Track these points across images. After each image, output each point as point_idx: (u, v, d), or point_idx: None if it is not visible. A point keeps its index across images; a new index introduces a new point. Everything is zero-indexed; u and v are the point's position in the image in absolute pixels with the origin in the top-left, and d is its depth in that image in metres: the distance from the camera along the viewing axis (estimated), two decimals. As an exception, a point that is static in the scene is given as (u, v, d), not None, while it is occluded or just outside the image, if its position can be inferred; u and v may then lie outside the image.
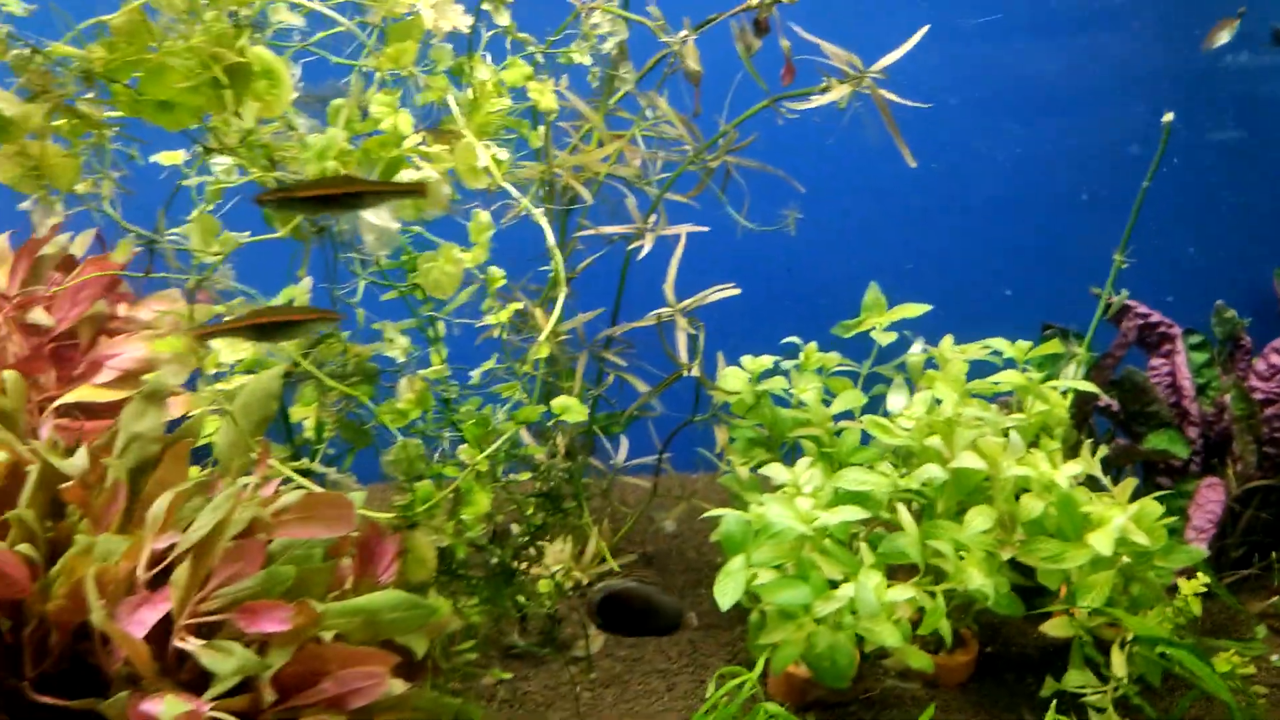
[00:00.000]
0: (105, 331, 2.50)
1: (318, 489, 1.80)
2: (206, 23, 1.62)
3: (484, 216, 1.83)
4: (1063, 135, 3.03)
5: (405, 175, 1.71)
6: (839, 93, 2.11)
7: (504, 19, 2.03)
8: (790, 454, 2.34)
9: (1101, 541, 1.87)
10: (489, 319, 1.89)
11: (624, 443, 2.68)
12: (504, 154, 1.93)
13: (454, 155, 1.89)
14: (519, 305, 1.97)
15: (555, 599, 2.16)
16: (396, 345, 2.05)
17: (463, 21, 1.99)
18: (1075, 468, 1.94)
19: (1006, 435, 2.01)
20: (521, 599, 2.08)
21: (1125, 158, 2.98)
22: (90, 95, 1.60)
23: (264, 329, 1.71)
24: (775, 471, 1.98)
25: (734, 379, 2.30)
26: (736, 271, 2.62)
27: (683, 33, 2.34)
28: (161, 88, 1.58)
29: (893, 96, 2.09)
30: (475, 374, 2.01)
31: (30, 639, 1.72)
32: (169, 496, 1.70)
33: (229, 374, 2.14)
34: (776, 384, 2.29)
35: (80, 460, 1.80)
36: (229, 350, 2.05)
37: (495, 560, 2.02)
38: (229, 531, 1.65)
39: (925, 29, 2.14)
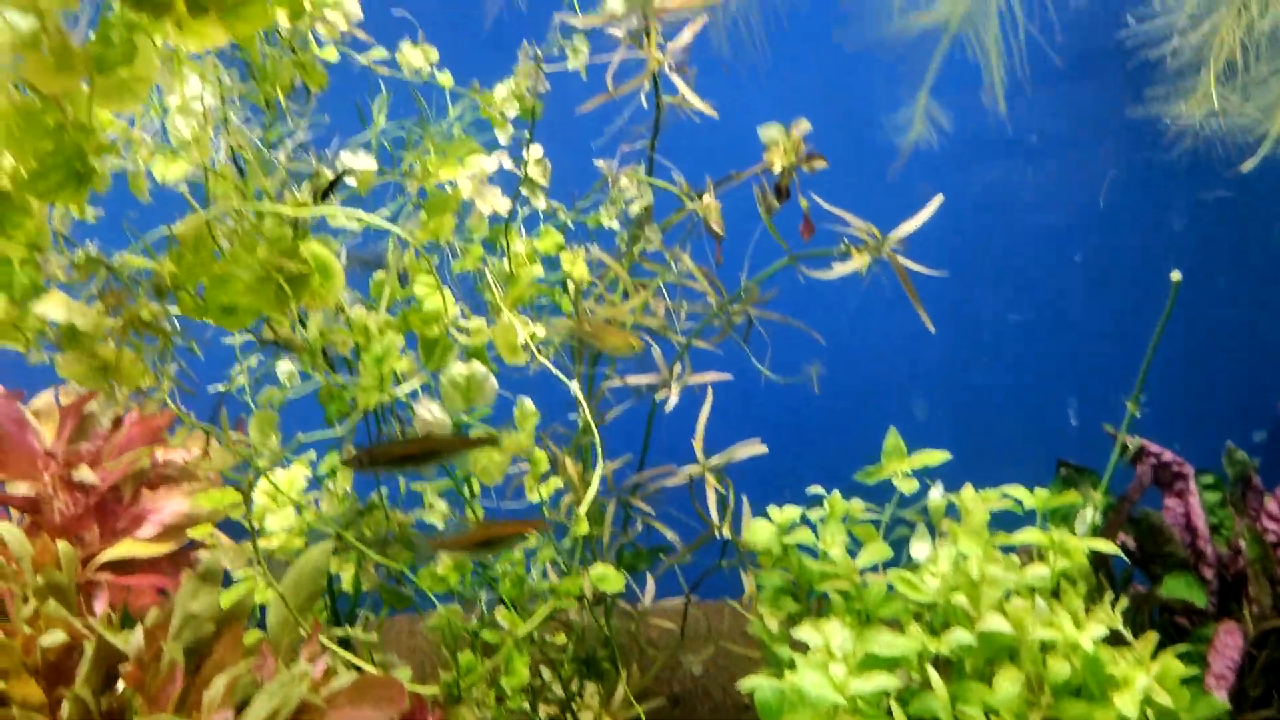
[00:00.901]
0: (147, 483, 2.57)
1: (368, 667, 1.86)
2: (266, 230, 1.72)
3: (528, 404, 1.91)
4: (1076, 269, 3.14)
5: (457, 369, 1.79)
6: (859, 262, 2.21)
7: (540, 203, 2.13)
8: (818, 603, 2.40)
9: (1127, 704, 1.92)
10: (531, 497, 1.96)
11: (650, 582, 2.74)
12: (540, 330, 2.02)
13: (494, 333, 1.98)
14: (559, 483, 2.04)
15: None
16: (436, 511, 2.12)
17: (501, 205, 2.09)
18: (1099, 629, 2.00)
19: (1032, 593, 2.07)
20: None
21: (1137, 290, 3.09)
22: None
23: (486, 543, 1.83)
24: (807, 635, 2.03)
25: (762, 531, 2.36)
26: (759, 416, 2.70)
27: (706, 198, 2.45)
28: (226, 294, 1.67)
29: (911, 264, 2.19)
30: (519, 554, 2.08)
31: (88, 823, 1.77)
32: (224, 680, 1.75)
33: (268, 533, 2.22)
34: (804, 536, 2.35)
35: (137, 639, 1.86)
36: (277, 517, 2.12)
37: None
38: (283, 716, 1.71)
39: (939, 199, 2.24)
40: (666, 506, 2.66)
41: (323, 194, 1.73)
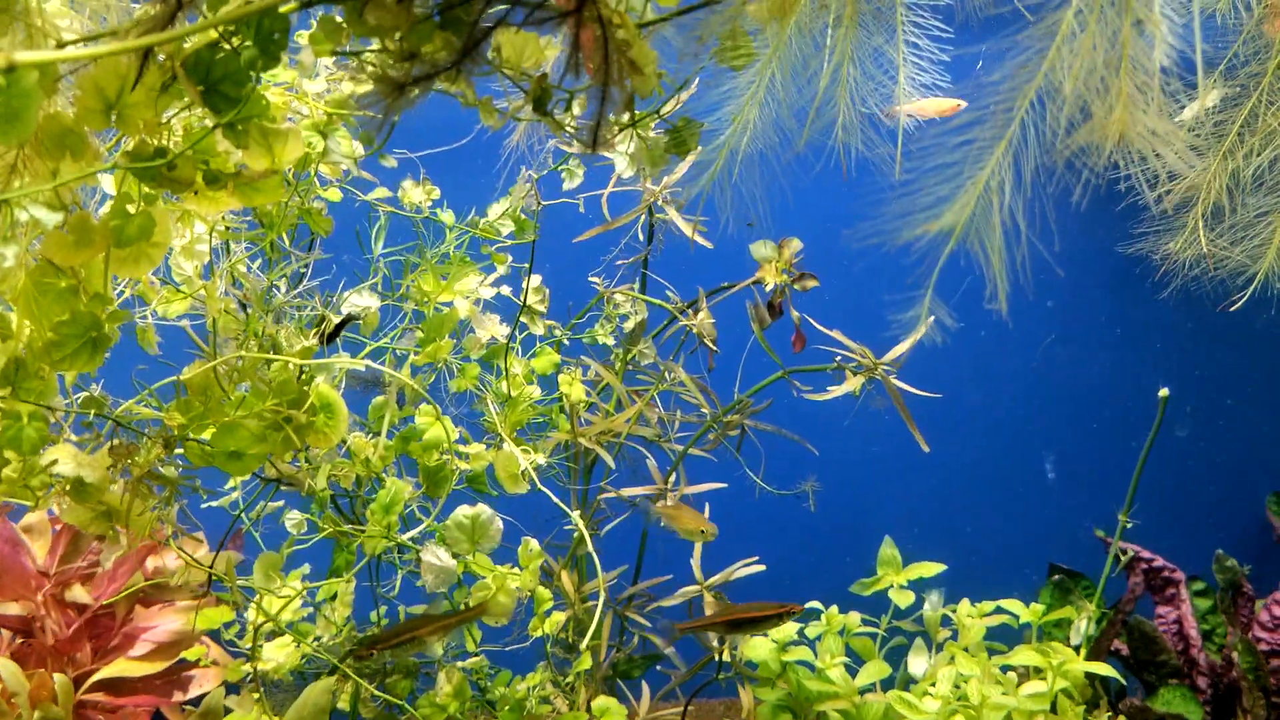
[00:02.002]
0: (140, 599, 2.55)
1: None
2: (273, 375, 1.74)
3: (534, 544, 1.92)
4: (1062, 384, 3.20)
5: (462, 512, 1.80)
6: (853, 384, 2.24)
7: (539, 329, 2.16)
8: (818, 718, 2.40)
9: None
10: (534, 633, 1.96)
11: (645, 691, 2.73)
12: (541, 458, 2.03)
13: (496, 462, 1.99)
14: (563, 616, 2.04)
15: None
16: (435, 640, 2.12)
17: (500, 331, 2.12)
18: (1099, 755, 2.01)
19: (1031, 718, 2.08)
20: None
21: (1123, 399, 3.15)
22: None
23: (736, 624, 2.03)
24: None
25: (760, 648, 2.37)
26: (753, 523, 2.71)
27: (701, 315, 2.48)
28: (233, 441, 1.68)
29: (906, 386, 2.22)
30: (522, 688, 2.07)
31: None
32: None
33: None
34: (802, 653, 2.35)
35: (136, 784, 1.84)
36: (276, 649, 2.11)
37: None
38: None
39: (930, 319, 2.27)
40: (662, 616, 2.66)
41: (329, 337, 1.75)
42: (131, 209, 1.40)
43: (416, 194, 2.00)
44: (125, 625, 2.51)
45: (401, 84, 1.07)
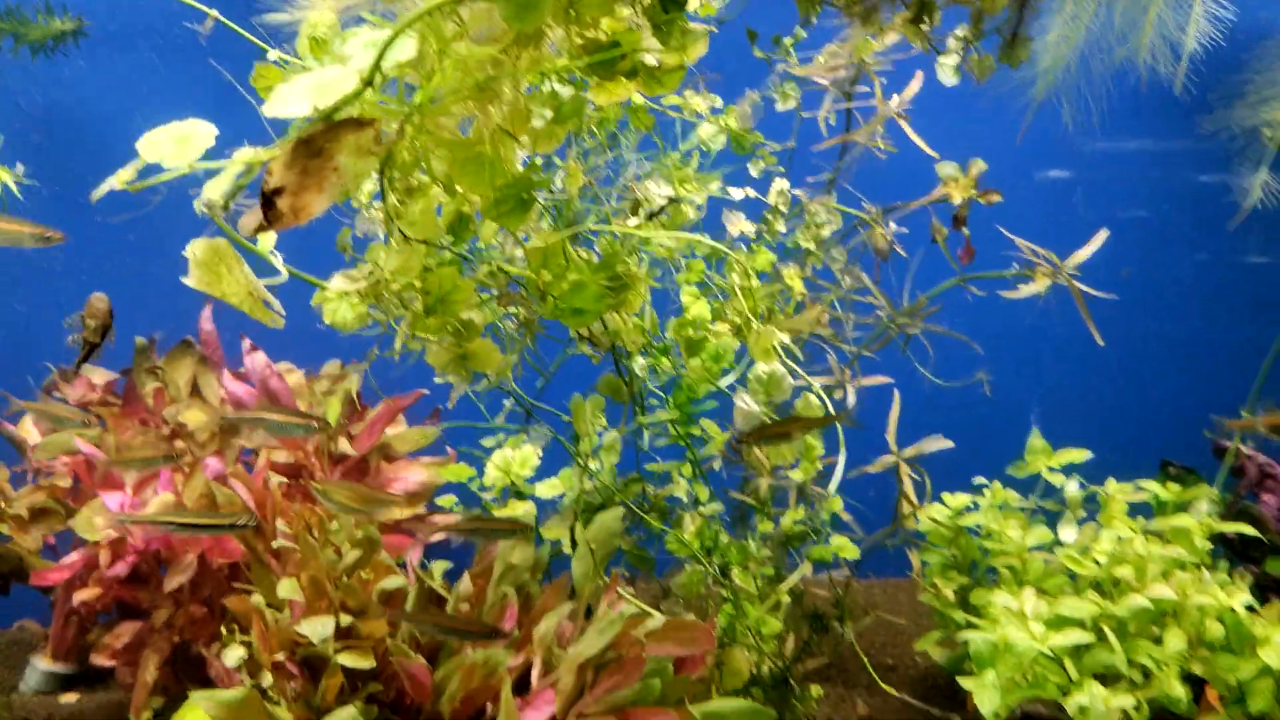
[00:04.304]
0: (387, 457, 2.90)
1: (666, 616, 2.21)
2: (601, 247, 2.09)
3: (813, 399, 2.27)
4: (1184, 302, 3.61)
5: (760, 369, 2.16)
6: (1040, 285, 2.60)
7: (780, 226, 2.50)
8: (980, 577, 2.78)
9: (1271, 656, 2.32)
10: (796, 476, 2.31)
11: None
12: (786, 337, 2.38)
13: (752, 338, 2.35)
14: (820, 465, 2.39)
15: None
16: (680, 486, 2.48)
17: (748, 228, 2.46)
18: (1245, 596, 2.40)
19: (1185, 568, 2.47)
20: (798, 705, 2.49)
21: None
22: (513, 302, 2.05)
23: None
24: (1005, 600, 2.41)
25: (938, 511, 2.74)
26: (917, 414, 3.08)
27: (890, 225, 2.82)
28: (580, 300, 2.02)
29: (1088, 289, 2.57)
30: (787, 520, 2.43)
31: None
32: (554, 619, 2.11)
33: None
34: (974, 519, 2.73)
35: (465, 585, 2.21)
36: (547, 489, 2.47)
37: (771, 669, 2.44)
38: (609, 651, 2.06)
39: (1104, 233, 2.63)
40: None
41: (649, 217, 2.09)
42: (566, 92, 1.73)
43: (699, 102, 2.33)
44: (377, 478, 2.87)
45: (872, 6, 1.40)
